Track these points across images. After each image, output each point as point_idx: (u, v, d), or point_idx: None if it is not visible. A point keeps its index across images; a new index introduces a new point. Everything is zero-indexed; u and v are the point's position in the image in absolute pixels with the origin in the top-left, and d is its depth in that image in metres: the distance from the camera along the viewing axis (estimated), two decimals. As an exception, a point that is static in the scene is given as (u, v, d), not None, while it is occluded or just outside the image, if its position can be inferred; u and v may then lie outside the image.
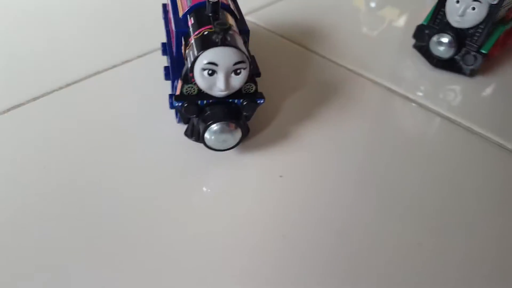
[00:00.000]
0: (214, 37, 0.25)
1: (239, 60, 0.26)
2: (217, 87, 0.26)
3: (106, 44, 0.40)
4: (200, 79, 0.26)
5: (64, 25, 0.42)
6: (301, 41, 0.44)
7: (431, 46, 0.41)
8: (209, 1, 0.27)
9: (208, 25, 0.27)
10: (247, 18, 0.46)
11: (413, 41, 0.43)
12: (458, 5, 0.38)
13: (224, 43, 0.25)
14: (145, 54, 0.39)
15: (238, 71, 0.26)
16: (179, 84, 0.27)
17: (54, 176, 0.27)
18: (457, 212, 0.28)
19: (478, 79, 0.41)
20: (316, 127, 0.33)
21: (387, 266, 0.24)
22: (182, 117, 0.29)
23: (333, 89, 0.38)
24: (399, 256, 0.25)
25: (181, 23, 0.29)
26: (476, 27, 0.38)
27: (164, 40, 0.35)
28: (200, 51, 0.25)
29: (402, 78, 0.40)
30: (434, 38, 0.40)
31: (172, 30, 0.30)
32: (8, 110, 0.32)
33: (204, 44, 0.25)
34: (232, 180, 0.29)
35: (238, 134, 0.28)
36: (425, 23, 0.42)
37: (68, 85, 0.35)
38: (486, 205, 0.28)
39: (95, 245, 0.24)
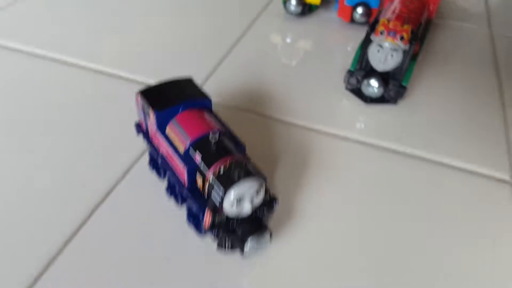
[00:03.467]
0: (233, 173, 0.29)
1: (259, 186, 0.30)
2: (245, 212, 0.30)
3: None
4: (229, 211, 0.30)
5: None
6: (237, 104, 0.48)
7: (363, 89, 0.48)
8: (212, 137, 0.31)
9: (219, 159, 0.31)
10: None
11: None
12: (379, 54, 0.46)
13: (245, 176, 0.29)
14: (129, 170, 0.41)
15: (259, 192, 0.30)
16: (208, 214, 0.31)
17: None
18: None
19: (402, 105, 0.50)
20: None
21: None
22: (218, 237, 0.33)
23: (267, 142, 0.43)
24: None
25: (188, 159, 0.32)
26: (395, 68, 0.47)
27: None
28: (225, 190, 0.29)
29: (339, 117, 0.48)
30: (365, 82, 0.48)
31: (176, 165, 0.33)
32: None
33: (227, 182, 0.29)
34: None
35: (268, 236, 0.32)
36: (352, 69, 0.49)
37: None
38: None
39: None
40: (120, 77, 0.52)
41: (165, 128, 0.34)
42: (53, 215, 0.36)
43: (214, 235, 0.31)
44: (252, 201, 0.30)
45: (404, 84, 0.48)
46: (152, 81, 0.50)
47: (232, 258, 0.33)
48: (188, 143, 0.32)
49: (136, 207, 0.37)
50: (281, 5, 0.66)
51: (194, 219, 0.34)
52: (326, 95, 0.51)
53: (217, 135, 0.31)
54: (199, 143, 0.32)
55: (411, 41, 0.45)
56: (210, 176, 0.30)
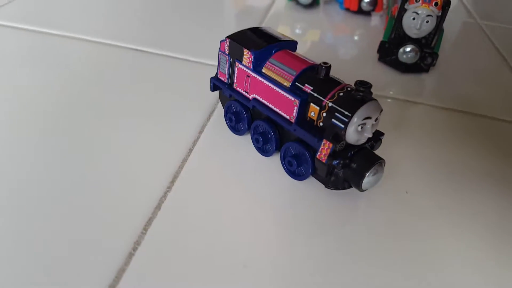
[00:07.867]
0: (356, 96, 0.29)
1: (381, 109, 0.30)
2: (365, 136, 0.29)
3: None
4: (354, 135, 0.29)
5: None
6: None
7: (399, 56, 0.50)
8: (322, 66, 0.31)
9: (335, 87, 0.30)
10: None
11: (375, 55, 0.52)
12: (415, 21, 0.48)
13: (371, 98, 0.29)
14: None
15: (377, 119, 0.30)
16: (327, 144, 0.29)
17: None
18: None
19: (432, 72, 0.53)
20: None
21: None
22: (328, 169, 0.31)
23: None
24: None
25: (296, 91, 0.31)
26: (428, 35, 0.49)
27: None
28: (352, 112, 0.28)
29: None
30: (401, 50, 0.50)
31: (280, 100, 0.32)
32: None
33: (353, 105, 0.28)
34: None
35: (383, 169, 0.31)
36: (385, 39, 0.51)
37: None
38: None
39: None
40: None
41: (261, 68, 0.33)
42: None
43: (337, 164, 0.30)
44: (372, 127, 0.29)
45: (436, 51, 0.50)
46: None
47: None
48: (294, 76, 0.31)
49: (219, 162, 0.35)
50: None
51: (292, 164, 0.33)
52: (363, 65, 0.53)
53: (325, 67, 0.31)
54: (306, 76, 0.31)
55: (444, 7, 0.48)
56: (328, 103, 0.30)
